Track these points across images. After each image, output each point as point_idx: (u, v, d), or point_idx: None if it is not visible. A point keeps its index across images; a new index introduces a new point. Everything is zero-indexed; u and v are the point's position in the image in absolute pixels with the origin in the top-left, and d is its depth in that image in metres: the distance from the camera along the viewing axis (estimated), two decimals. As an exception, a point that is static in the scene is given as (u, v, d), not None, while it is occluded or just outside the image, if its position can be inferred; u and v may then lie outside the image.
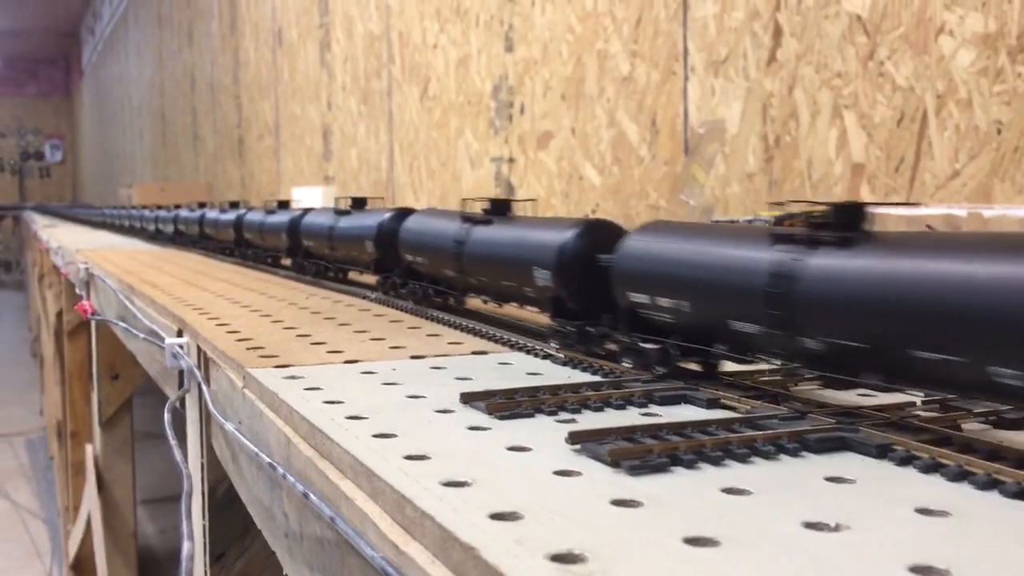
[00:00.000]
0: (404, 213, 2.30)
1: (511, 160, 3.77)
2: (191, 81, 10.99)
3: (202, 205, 5.22)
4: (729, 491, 0.81)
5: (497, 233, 1.72)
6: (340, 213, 2.70)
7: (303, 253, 3.00)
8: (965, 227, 1.54)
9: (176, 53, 11.97)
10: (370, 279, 2.51)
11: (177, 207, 5.84)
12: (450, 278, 1.94)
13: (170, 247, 5.21)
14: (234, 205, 4.47)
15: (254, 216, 3.65)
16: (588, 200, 3.25)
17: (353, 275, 2.74)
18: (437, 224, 2.00)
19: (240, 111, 8.57)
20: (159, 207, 6.59)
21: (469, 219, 1.84)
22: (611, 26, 3.11)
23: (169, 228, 5.45)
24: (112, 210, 8.92)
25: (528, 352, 1.55)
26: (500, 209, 1.83)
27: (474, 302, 1.99)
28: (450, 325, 1.89)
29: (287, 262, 3.25)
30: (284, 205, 3.64)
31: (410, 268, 2.15)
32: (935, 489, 0.81)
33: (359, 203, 2.74)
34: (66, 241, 5.72)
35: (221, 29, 9.22)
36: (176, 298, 2.38)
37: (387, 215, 2.35)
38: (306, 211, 3.14)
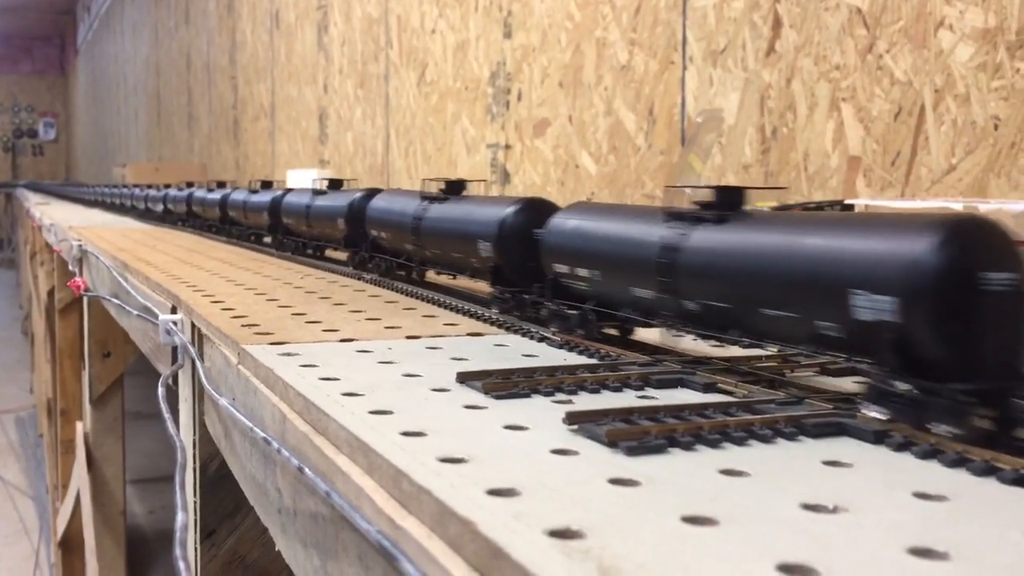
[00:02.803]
0: (372, 193, 2.48)
1: (507, 147, 3.76)
2: (187, 61, 10.93)
3: (190, 185, 5.31)
4: (727, 472, 0.81)
5: (450, 210, 1.92)
6: (317, 193, 2.89)
7: (283, 230, 3.19)
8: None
9: (172, 32, 11.91)
10: (342, 255, 2.68)
11: (167, 186, 5.87)
12: (409, 251, 2.14)
13: (161, 225, 5.25)
14: (221, 185, 4.63)
15: (238, 195, 3.83)
16: (584, 188, 3.25)
17: (328, 253, 2.89)
18: (399, 202, 2.20)
19: (236, 92, 8.54)
20: (150, 186, 6.59)
21: (427, 197, 2.04)
22: (610, 14, 3.10)
23: (159, 207, 5.54)
24: (105, 188, 8.89)
25: (524, 334, 1.55)
26: (455, 188, 2.02)
27: (430, 275, 2.18)
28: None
29: (269, 239, 3.42)
30: (267, 185, 3.80)
31: (375, 243, 2.35)
32: (933, 474, 0.81)
33: (335, 184, 2.94)
34: (59, 218, 5.69)
35: (218, 9, 9.17)
36: (170, 275, 2.37)
37: (357, 195, 2.54)
38: (286, 191, 3.34)
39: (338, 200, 2.64)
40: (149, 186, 6.66)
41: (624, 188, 3.03)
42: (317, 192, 2.90)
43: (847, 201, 1.74)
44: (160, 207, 5.52)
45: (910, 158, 2.09)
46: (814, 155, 2.32)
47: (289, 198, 3.13)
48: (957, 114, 1.98)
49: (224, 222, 4.03)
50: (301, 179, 4.96)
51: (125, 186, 8.12)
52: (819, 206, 1.85)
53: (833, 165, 2.27)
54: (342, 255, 2.67)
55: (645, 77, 2.93)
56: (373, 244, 2.36)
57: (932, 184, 2.03)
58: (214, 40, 9.42)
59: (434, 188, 2.06)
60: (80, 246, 3.42)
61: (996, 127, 1.90)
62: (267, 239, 3.44)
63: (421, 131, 4.58)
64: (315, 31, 6.20)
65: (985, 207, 1.57)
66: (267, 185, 3.81)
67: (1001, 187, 1.91)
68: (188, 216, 4.79)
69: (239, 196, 3.80)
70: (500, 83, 3.81)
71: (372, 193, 2.47)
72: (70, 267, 3.58)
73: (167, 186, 5.94)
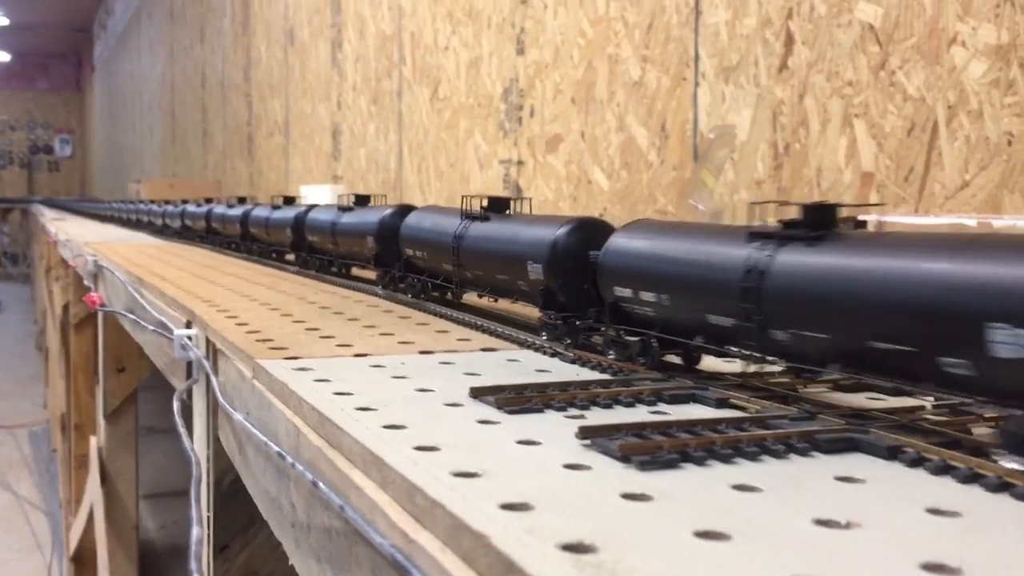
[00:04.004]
0: (405, 209, 2.38)
1: (520, 163, 3.78)
2: (202, 78, 11.02)
3: (208, 200, 5.30)
4: (739, 487, 0.81)
5: (494, 229, 1.81)
6: (343, 209, 2.77)
7: (307, 248, 3.08)
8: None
9: (187, 50, 12.01)
10: (371, 274, 2.57)
11: (184, 202, 5.90)
12: (448, 272, 2.01)
13: (177, 241, 5.28)
14: (241, 201, 4.57)
15: (260, 212, 3.74)
16: (596, 204, 3.25)
17: (355, 271, 2.81)
18: (437, 220, 2.08)
19: (250, 109, 8.60)
20: (166, 202, 6.63)
21: (468, 215, 1.92)
22: (622, 31, 3.11)
23: (176, 223, 5.54)
24: (120, 204, 8.95)
25: (537, 350, 1.56)
26: (498, 206, 1.91)
27: (470, 297, 2.06)
28: (450, 319, 1.93)
29: (291, 257, 3.32)
30: (290, 201, 3.71)
31: (409, 262, 2.23)
32: (946, 490, 0.81)
33: (362, 200, 2.81)
34: (74, 234, 5.73)
35: (233, 27, 9.24)
36: (185, 291, 2.39)
37: (388, 211, 2.42)
38: (311, 207, 3.22)
39: (367, 216, 2.54)
40: (166, 202, 6.70)
41: (636, 204, 3.04)
42: (343, 208, 2.80)
43: (860, 217, 1.75)
44: (178, 223, 5.48)
45: (923, 174, 2.09)
46: (827, 171, 2.32)
47: (314, 214, 3.04)
48: (970, 130, 1.97)
49: (245, 239, 3.94)
50: (315, 195, 4.99)
51: (140, 202, 8.17)
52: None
53: (846, 181, 2.27)
54: (370, 274, 2.58)
55: (657, 93, 2.94)
56: (407, 264, 2.25)
57: (945, 200, 2.03)
58: (229, 57, 9.50)
59: (475, 205, 1.96)
60: (95, 261, 3.45)
61: (1010, 143, 1.89)
62: (290, 256, 3.35)
63: (434, 147, 4.60)
64: (329, 48, 6.25)
65: (999, 223, 1.56)
66: (289, 201, 3.72)
67: (1015, 203, 1.90)
68: (207, 232, 4.70)
69: (261, 212, 3.71)
70: (513, 99, 3.83)
71: (404, 210, 2.38)
72: (85, 282, 3.60)
73: (184, 202, 5.94)
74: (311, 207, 3.23)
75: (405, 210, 2.36)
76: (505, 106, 3.89)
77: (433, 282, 2.12)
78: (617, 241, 1.42)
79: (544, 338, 1.60)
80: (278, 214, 3.44)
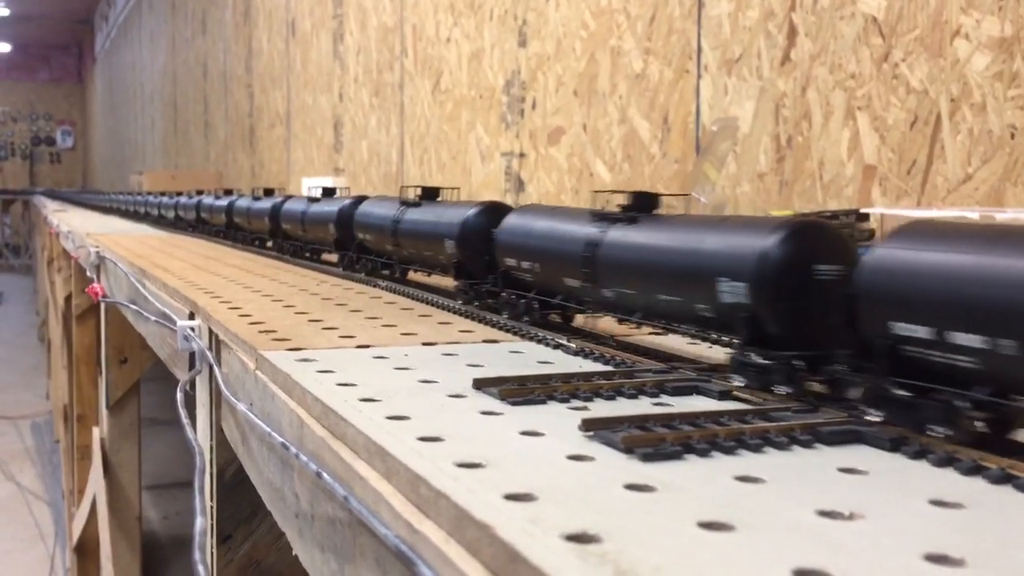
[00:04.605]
0: (359, 199, 2.73)
1: (522, 155, 3.77)
2: (203, 69, 11.01)
3: (199, 192, 5.51)
4: (742, 479, 0.82)
5: (423, 214, 2.18)
6: (311, 200, 3.18)
7: (282, 235, 3.47)
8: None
9: (189, 41, 11.99)
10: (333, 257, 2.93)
11: (179, 194, 6.00)
12: (390, 252, 2.41)
13: (173, 232, 5.41)
14: (228, 192, 4.95)
15: (242, 202, 4.15)
16: (598, 196, 3.25)
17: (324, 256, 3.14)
18: (381, 208, 2.46)
19: (252, 100, 8.59)
20: (163, 194, 6.67)
21: (405, 203, 2.30)
22: (625, 23, 3.11)
23: (171, 214, 5.72)
24: (121, 196, 8.97)
25: (539, 342, 1.56)
26: (430, 195, 2.30)
27: (413, 275, 2.44)
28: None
29: (270, 244, 3.71)
30: (269, 193, 4.07)
31: (361, 245, 2.59)
32: (949, 482, 0.82)
33: (328, 192, 3.25)
34: (76, 225, 5.74)
35: (235, 18, 9.23)
36: (187, 282, 2.39)
37: (347, 202, 2.80)
38: (286, 198, 3.65)
39: (329, 206, 2.89)
40: (163, 194, 6.75)
41: (639, 196, 3.04)
42: (312, 199, 3.18)
43: (862, 210, 1.75)
44: (172, 214, 5.70)
45: (926, 167, 2.08)
46: (829, 164, 2.32)
47: (287, 205, 3.40)
48: (973, 123, 1.97)
49: (230, 227, 4.30)
50: (316, 186, 5.00)
51: (141, 193, 8.19)
52: (834, 215, 1.85)
53: (848, 174, 2.27)
54: (334, 257, 2.91)
55: (660, 86, 2.94)
56: (360, 246, 2.59)
57: (948, 193, 2.03)
58: (230, 49, 9.48)
59: (411, 194, 2.31)
60: (98, 252, 3.45)
61: (1013, 136, 1.89)
62: (269, 243, 3.72)
63: (436, 139, 4.60)
64: (331, 40, 6.24)
65: (1002, 216, 1.56)
66: (269, 193, 4.07)
67: (1018, 196, 1.90)
68: (197, 222, 5.04)
69: (243, 203, 4.09)
70: (515, 91, 3.82)
71: (359, 200, 2.72)
72: (88, 273, 3.61)
73: (179, 194, 6.10)
74: (287, 198, 3.64)
75: (360, 200, 2.72)
76: (507, 98, 3.88)
77: (381, 261, 2.50)
78: (508, 221, 1.74)
79: (459, 302, 1.95)
80: (257, 205, 3.83)
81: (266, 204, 3.67)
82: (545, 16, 3.60)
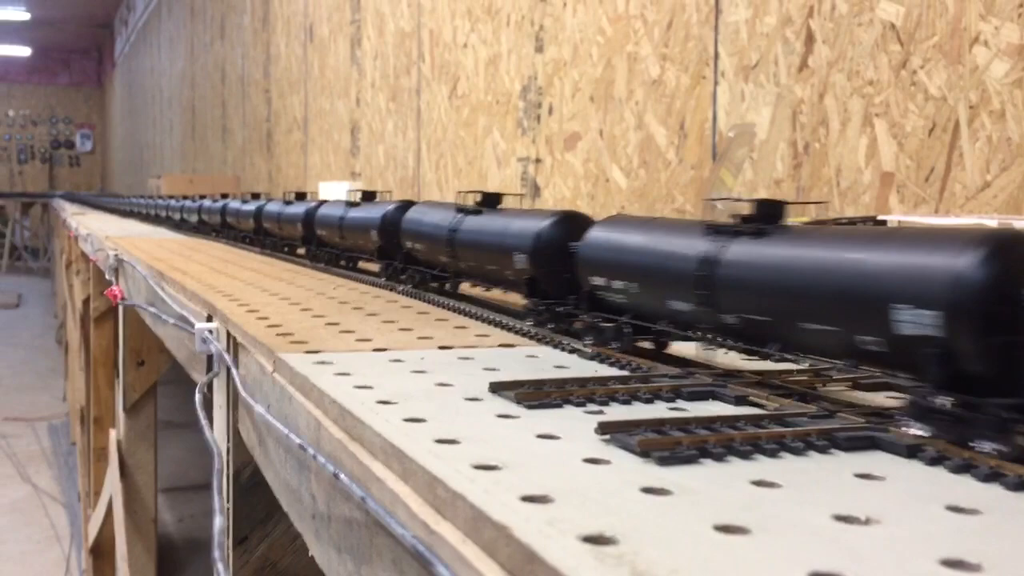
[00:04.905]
0: (406, 205, 2.50)
1: (538, 160, 3.78)
2: (222, 74, 11.07)
3: (224, 196, 5.40)
4: (759, 483, 0.82)
5: (485, 223, 1.92)
6: (350, 205, 2.90)
7: (316, 242, 3.20)
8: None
9: (208, 46, 12.07)
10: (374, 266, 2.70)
11: (202, 197, 5.97)
12: (444, 263, 2.14)
13: (194, 236, 5.35)
14: (255, 196, 4.69)
15: (272, 207, 3.85)
16: (614, 202, 3.25)
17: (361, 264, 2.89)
18: (434, 214, 2.20)
19: (269, 105, 8.63)
20: (184, 197, 6.69)
21: (462, 210, 2.05)
22: (642, 29, 3.11)
23: (193, 218, 5.63)
24: (140, 199, 9.02)
25: (555, 346, 1.56)
26: (490, 201, 2.04)
27: (464, 286, 2.20)
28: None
29: (302, 251, 3.44)
30: (301, 197, 3.82)
31: (409, 255, 2.34)
32: (966, 488, 0.81)
33: (368, 196, 2.95)
34: (95, 229, 5.78)
35: (253, 23, 9.29)
36: (205, 285, 2.41)
37: (391, 206, 2.54)
38: (320, 203, 3.34)
39: (371, 212, 2.66)
40: (184, 197, 6.76)
41: (654, 202, 3.04)
42: (350, 204, 2.92)
43: (880, 217, 1.74)
44: (195, 218, 5.61)
45: (944, 174, 2.08)
46: (847, 171, 2.32)
47: (323, 210, 3.15)
48: (992, 130, 1.97)
49: (258, 233, 4.07)
50: (333, 191, 5.01)
51: (160, 197, 8.23)
52: (851, 222, 1.85)
53: (866, 181, 2.26)
54: (375, 266, 2.69)
55: (676, 92, 2.94)
56: (407, 256, 2.36)
57: (967, 201, 2.02)
58: (248, 54, 9.54)
59: (470, 200, 2.08)
60: (116, 256, 3.47)
61: (1031, 143, 1.88)
62: (300, 250, 3.48)
63: (452, 144, 4.61)
64: (348, 45, 6.27)
65: (1021, 224, 1.56)
66: (301, 197, 3.82)
67: (1037, 204, 1.89)
68: (223, 227, 4.84)
69: (273, 207, 3.83)
70: (531, 97, 3.83)
71: (406, 205, 2.48)
72: (106, 276, 3.63)
73: (202, 197, 6.04)
74: (321, 203, 3.34)
75: (407, 205, 2.48)
76: (524, 104, 3.89)
77: (431, 273, 2.24)
78: (594, 234, 1.52)
79: (529, 323, 1.71)
80: (290, 209, 3.56)
81: (299, 208, 3.41)
82: (562, 22, 3.61)
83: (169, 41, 15.98)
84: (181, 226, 6.10)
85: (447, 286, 2.22)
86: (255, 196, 4.73)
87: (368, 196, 2.95)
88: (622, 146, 3.21)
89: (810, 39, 2.43)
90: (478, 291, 2.18)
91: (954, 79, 2.04)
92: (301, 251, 3.46)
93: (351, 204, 2.91)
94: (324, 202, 3.38)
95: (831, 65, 2.36)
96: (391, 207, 2.54)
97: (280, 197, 4.13)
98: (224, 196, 5.46)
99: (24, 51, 27.85)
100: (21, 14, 22.91)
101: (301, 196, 3.84)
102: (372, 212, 2.65)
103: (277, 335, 1.60)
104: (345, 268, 2.94)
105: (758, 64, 2.60)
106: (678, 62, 2.93)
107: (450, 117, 4.64)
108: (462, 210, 2.05)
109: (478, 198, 2.05)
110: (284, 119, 8.09)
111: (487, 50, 4.23)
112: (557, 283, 1.64)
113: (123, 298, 3.18)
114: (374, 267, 2.73)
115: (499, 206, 2.04)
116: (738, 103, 2.68)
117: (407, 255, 2.36)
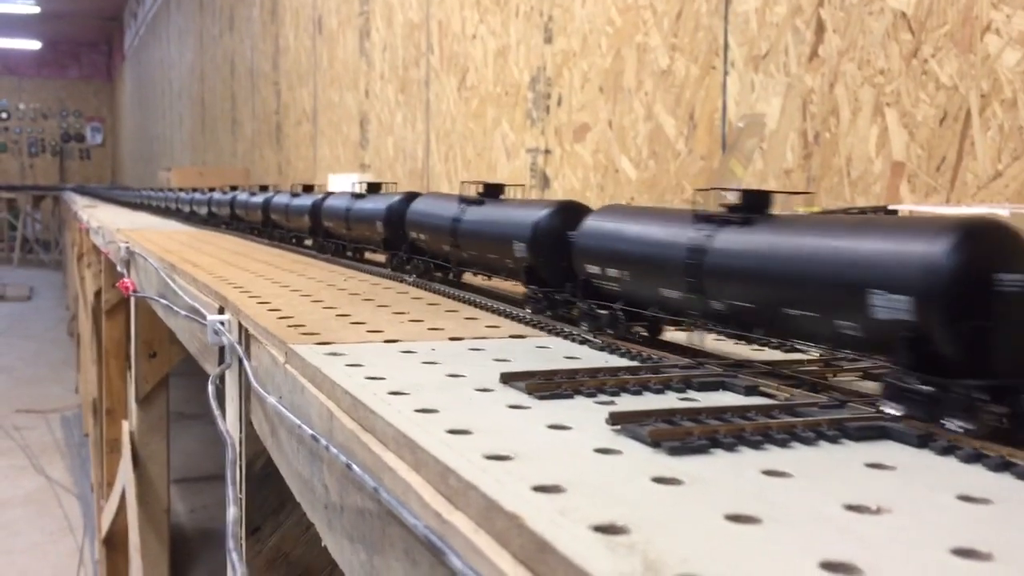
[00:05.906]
0: (411, 196, 2.53)
1: (547, 151, 3.78)
2: (231, 67, 11.09)
3: (234, 188, 5.44)
4: (769, 473, 0.82)
5: (487, 213, 1.97)
6: (356, 196, 2.95)
7: (323, 233, 3.24)
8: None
9: (217, 39, 12.08)
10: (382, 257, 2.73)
11: (211, 190, 5.99)
12: (447, 253, 2.19)
13: (204, 228, 5.37)
14: (263, 189, 4.74)
15: (280, 199, 3.91)
16: (623, 193, 3.25)
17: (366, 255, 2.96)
18: (437, 205, 2.26)
19: (279, 97, 8.64)
20: (195, 190, 6.71)
21: (465, 200, 2.10)
22: (651, 19, 3.10)
23: (203, 210, 5.67)
24: (150, 192, 9.05)
25: (565, 337, 1.57)
26: (492, 192, 2.08)
27: (467, 276, 2.24)
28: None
29: (310, 242, 3.48)
30: (308, 189, 3.86)
31: (414, 245, 2.40)
32: (976, 478, 0.82)
33: (374, 187, 2.99)
34: (106, 221, 5.80)
35: (262, 15, 9.29)
36: (217, 277, 2.42)
37: (396, 198, 2.60)
38: (327, 195, 3.40)
39: (377, 203, 2.69)
40: (194, 189, 6.79)
41: (664, 193, 3.03)
42: (356, 195, 2.96)
43: (891, 206, 1.74)
44: (204, 210, 5.64)
45: (955, 164, 2.07)
46: (857, 160, 2.31)
47: (329, 201, 3.18)
48: (1004, 119, 1.96)
49: (266, 224, 4.12)
50: (342, 183, 5.02)
51: (170, 189, 8.26)
52: (862, 211, 1.85)
53: (876, 170, 2.26)
54: (381, 257, 2.72)
55: (686, 82, 2.93)
56: (412, 246, 2.41)
57: (978, 190, 2.02)
58: (258, 46, 9.55)
59: (472, 191, 2.12)
60: (128, 248, 3.49)
61: (1043, 132, 1.88)
62: (308, 241, 3.51)
63: (461, 136, 4.61)
64: (357, 37, 6.27)
65: (1031, 213, 1.55)
66: (308, 189, 3.87)
67: (1049, 193, 1.89)
68: (232, 219, 4.89)
69: (281, 199, 3.87)
70: (540, 88, 3.83)
71: (411, 196, 2.52)
72: (118, 268, 3.65)
73: (211, 190, 6.07)
74: (327, 194, 3.39)
75: (412, 196, 2.51)
76: (533, 95, 3.89)
77: (435, 262, 2.30)
78: (589, 223, 1.55)
79: (528, 311, 1.76)
80: (297, 201, 3.60)
81: (306, 200, 3.48)
82: (571, 12, 3.60)
83: (178, 34, 16.00)
84: (191, 218, 6.13)
85: (451, 275, 2.27)
86: (263, 188, 4.77)
87: (373, 188, 3.01)
88: (631, 137, 3.21)
89: (820, 28, 2.42)
90: (480, 280, 2.24)
91: (965, 68, 2.03)
92: (308, 242, 3.49)
93: (357, 196, 2.97)
94: (331, 194, 3.43)
95: (842, 54, 2.35)
96: (396, 199, 2.59)
97: (289, 189, 4.16)
98: (233, 188, 5.49)
99: (34, 45, 27.93)
100: (31, 8, 22.97)
101: (308, 188, 3.89)
102: (378, 204, 2.69)
103: (288, 327, 1.60)
104: (351, 259, 2.98)
105: (768, 54, 2.59)
106: (688, 52, 2.92)
107: (459, 108, 4.64)
108: (465, 200, 2.09)
109: (481, 189, 2.09)
110: (293, 111, 8.10)
111: (496, 41, 4.23)
112: (555, 271, 1.68)
113: (135, 290, 3.20)
114: (380, 257, 2.76)
115: (501, 196, 2.08)
116: (748, 93, 2.67)
117: (412, 245, 2.41)
